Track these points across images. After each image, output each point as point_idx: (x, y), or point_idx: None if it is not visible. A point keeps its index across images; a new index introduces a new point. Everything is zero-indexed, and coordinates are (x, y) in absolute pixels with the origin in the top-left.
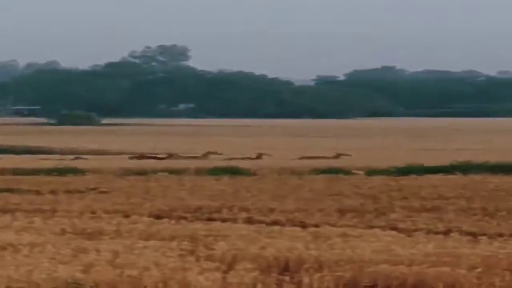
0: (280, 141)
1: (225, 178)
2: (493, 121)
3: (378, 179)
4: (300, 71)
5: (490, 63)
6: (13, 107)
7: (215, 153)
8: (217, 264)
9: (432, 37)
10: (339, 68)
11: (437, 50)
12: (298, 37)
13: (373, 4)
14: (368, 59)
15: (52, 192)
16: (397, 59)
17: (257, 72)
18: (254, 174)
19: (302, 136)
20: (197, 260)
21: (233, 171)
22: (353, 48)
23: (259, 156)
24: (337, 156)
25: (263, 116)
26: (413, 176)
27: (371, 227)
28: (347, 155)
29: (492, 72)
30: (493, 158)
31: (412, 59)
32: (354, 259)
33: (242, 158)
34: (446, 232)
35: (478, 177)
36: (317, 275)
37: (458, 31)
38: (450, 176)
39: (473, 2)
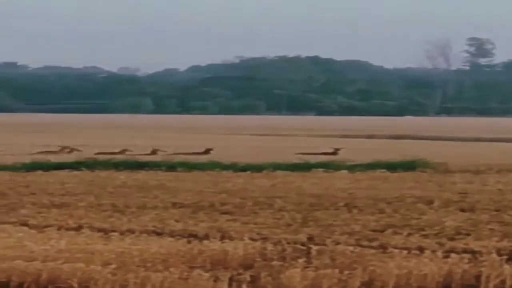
0: None
1: None
2: (112, 117)
3: (4, 175)
4: None
5: (112, 60)
6: None
7: None
8: None
9: (53, 32)
10: None
11: (58, 46)
12: None
13: None
14: None
15: None
16: (19, 55)
17: None
18: None
19: None
20: None
21: None
22: None
23: None
24: None
25: None
26: (40, 172)
27: (2, 223)
28: None
29: (113, 68)
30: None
31: (34, 55)
32: None
33: None
34: (78, 229)
35: (104, 174)
36: None
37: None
38: (76, 172)
39: None
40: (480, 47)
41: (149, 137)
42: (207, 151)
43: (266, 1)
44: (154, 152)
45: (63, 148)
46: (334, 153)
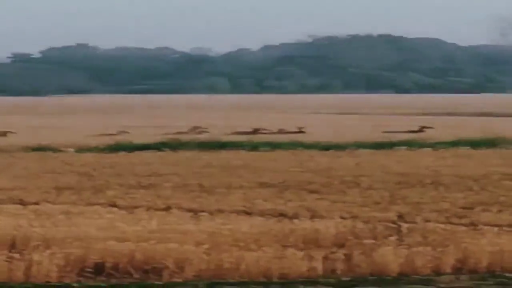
0: None
1: None
2: (191, 97)
3: (89, 156)
4: None
5: (183, 40)
6: None
7: None
8: None
9: (124, 13)
10: (33, 45)
11: (129, 27)
12: None
13: None
14: (62, 36)
15: None
16: (90, 36)
17: None
18: None
19: (1, 114)
20: None
21: None
22: (47, 25)
23: None
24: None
25: None
26: (124, 153)
27: (91, 204)
28: None
29: (185, 49)
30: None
31: (104, 36)
32: (81, 236)
33: None
34: (167, 209)
35: (188, 154)
36: (47, 252)
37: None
38: (160, 153)
39: None
40: None
41: (246, 117)
42: (300, 130)
43: None
44: (255, 131)
45: (194, 128)
46: (421, 131)
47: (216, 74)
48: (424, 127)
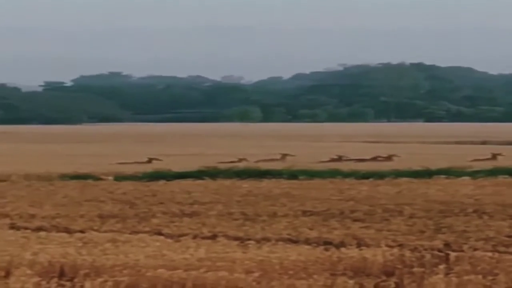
0: (16, 147)
1: None
2: (221, 126)
3: (128, 185)
4: (27, 77)
5: (214, 68)
6: None
7: None
8: None
9: (158, 41)
10: (65, 74)
11: (163, 54)
12: (23, 41)
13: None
14: (94, 65)
15: None
16: (124, 65)
17: None
18: (3, 180)
19: (36, 142)
20: None
21: None
22: (79, 54)
23: None
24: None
25: None
26: (163, 181)
27: (136, 232)
28: None
29: (217, 77)
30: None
31: (139, 64)
32: (130, 264)
33: None
34: (213, 237)
35: (227, 182)
36: (98, 280)
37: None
38: (200, 181)
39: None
40: None
41: (279, 146)
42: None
43: (364, 9)
44: (339, 159)
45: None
46: (493, 158)
47: (248, 103)
48: (497, 154)
